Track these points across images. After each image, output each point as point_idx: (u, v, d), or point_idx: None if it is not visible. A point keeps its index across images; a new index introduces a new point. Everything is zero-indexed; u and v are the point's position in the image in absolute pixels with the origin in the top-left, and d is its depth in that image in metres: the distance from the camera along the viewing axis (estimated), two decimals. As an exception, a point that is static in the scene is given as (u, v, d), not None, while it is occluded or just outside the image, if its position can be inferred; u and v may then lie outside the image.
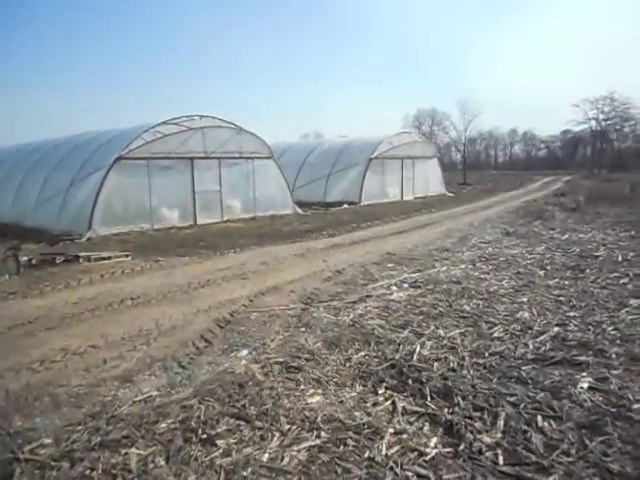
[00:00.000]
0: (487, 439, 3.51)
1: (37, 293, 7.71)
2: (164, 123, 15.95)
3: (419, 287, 7.70)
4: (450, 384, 4.36)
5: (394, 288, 7.66)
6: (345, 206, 22.85)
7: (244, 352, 5.12)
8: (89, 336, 5.68)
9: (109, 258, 10.16)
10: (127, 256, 10.53)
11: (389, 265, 9.44)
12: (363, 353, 5.11)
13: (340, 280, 8.31)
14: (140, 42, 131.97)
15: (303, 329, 5.83)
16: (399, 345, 5.29)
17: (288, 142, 31.51)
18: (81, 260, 9.81)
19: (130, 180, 14.94)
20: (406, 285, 7.85)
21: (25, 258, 9.26)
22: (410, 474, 3.13)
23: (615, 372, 4.52)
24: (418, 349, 5.16)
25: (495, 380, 4.42)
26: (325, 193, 24.95)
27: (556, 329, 5.69)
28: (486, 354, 5.06)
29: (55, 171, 16.63)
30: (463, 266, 9.19)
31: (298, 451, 3.36)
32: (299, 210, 20.27)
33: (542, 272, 8.61)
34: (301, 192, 23.75)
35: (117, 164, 14.58)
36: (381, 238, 13.16)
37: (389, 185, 26.16)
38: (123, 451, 3.33)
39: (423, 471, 3.16)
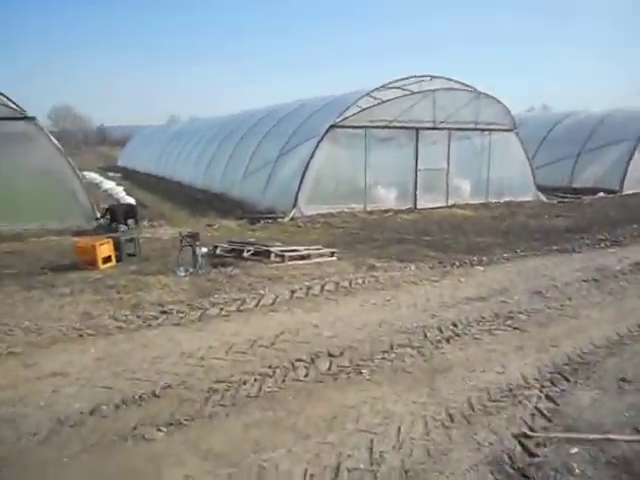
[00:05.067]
0: None
1: (196, 317, 5.29)
2: (384, 87, 13.18)
3: None
4: None
5: None
6: (601, 194, 17.59)
7: None
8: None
9: (308, 256, 7.66)
10: (332, 254, 7.93)
11: None
12: None
13: None
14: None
15: None
16: None
17: (524, 114, 26.42)
18: (272, 256, 7.45)
19: (344, 152, 12.77)
20: None
21: (204, 250, 7.21)
22: None
23: None
24: None
25: None
26: (572, 177, 19.79)
27: None
28: None
29: (264, 142, 15.21)
30: None
31: None
32: (543, 197, 15.88)
33: None
34: (539, 174, 18.91)
35: (330, 133, 12.34)
36: None
37: (663, 170, 19.64)
38: None
39: None
